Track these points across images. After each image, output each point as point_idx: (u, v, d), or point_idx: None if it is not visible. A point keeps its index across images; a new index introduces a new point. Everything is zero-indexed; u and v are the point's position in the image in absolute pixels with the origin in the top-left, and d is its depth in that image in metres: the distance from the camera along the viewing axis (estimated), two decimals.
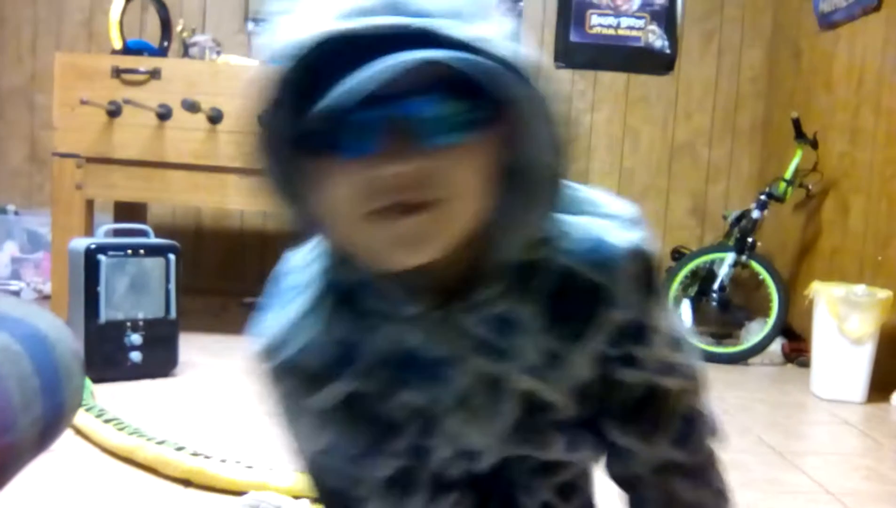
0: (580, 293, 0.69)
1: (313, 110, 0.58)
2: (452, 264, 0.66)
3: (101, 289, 2.64)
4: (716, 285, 3.80)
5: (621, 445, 0.80)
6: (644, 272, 0.72)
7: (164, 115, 3.19)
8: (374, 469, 0.79)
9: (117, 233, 2.86)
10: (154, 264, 2.76)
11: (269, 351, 0.77)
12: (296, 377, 0.76)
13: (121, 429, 2.04)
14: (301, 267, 0.76)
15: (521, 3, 4.39)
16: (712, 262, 3.91)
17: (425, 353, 0.71)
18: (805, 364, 3.50)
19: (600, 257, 0.70)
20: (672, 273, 3.82)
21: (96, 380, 2.53)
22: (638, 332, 0.73)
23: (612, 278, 0.70)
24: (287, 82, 0.61)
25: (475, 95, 0.60)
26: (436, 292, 0.68)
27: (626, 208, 0.74)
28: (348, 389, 0.74)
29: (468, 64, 0.56)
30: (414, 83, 0.57)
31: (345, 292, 0.72)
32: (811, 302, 3.23)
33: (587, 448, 0.81)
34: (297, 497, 1.62)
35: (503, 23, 0.61)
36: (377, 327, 0.71)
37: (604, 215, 0.72)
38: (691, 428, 0.81)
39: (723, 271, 3.80)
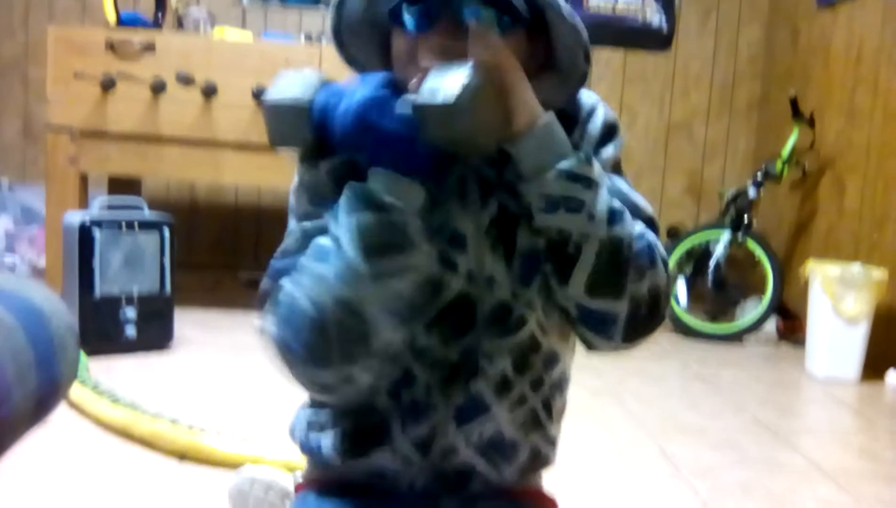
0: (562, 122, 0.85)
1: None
2: None
3: (96, 263, 2.63)
4: (711, 264, 3.80)
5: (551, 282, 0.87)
6: (611, 127, 0.91)
7: (158, 88, 3.17)
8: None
9: (111, 206, 2.85)
10: (149, 239, 2.75)
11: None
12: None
13: (115, 403, 2.04)
14: None
15: None
16: (708, 240, 3.91)
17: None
18: (800, 343, 3.51)
19: (585, 103, 0.92)
20: (668, 252, 3.82)
21: (91, 354, 2.53)
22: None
23: (587, 115, 0.91)
24: None
25: (506, 5, 0.83)
26: None
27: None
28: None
29: None
30: None
31: None
32: (806, 281, 3.23)
33: (535, 287, 0.88)
34: (292, 470, 1.62)
35: None
36: None
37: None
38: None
39: (718, 250, 3.80)
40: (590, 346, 0.89)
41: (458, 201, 0.87)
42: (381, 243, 0.78)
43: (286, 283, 0.81)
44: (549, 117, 0.81)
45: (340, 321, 0.78)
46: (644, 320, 0.84)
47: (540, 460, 0.94)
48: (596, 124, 0.91)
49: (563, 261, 0.82)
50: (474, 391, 0.87)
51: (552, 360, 0.92)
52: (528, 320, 0.88)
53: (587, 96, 0.93)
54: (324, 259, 0.79)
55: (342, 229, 0.79)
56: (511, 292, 0.87)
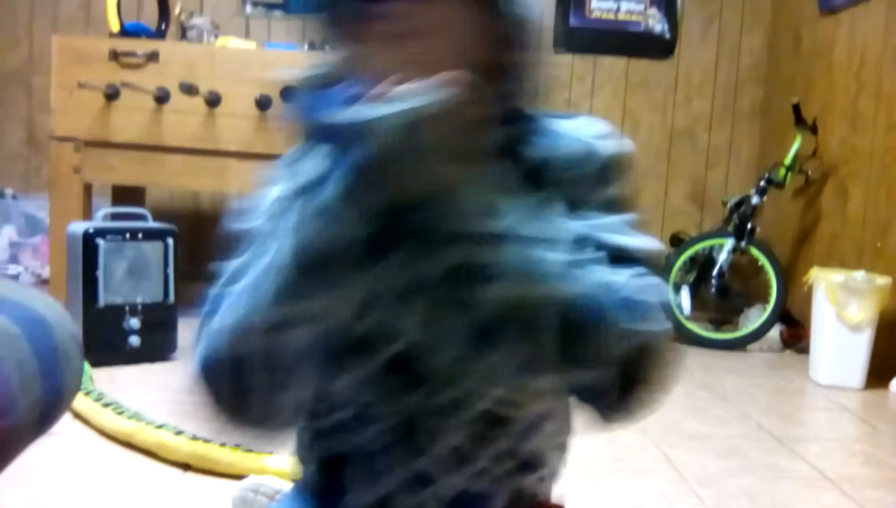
0: (550, 172, 0.77)
1: None
2: None
3: (100, 273, 2.64)
4: (715, 271, 3.80)
5: None
6: (611, 166, 0.80)
7: (161, 98, 3.18)
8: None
9: (115, 216, 2.85)
10: (152, 249, 2.75)
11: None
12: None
13: (120, 413, 2.04)
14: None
15: None
16: (711, 248, 3.91)
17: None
18: (804, 350, 3.50)
19: (580, 140, 0.79)
20: (671, 259, 3.82)
21: (95, 364, 2.53)
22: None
23: (583, 156, 0.79)
24: None
25: None
26: None
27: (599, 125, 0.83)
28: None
29: None
30: None
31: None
32: (810, 288, 3.23)
33: (492, 356, 0.74)
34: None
35: None
36: None
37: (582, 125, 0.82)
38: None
39: (722, 257, 3.80)
40: (603, 420, 0.77)
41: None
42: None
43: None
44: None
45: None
46: (640, 380, 0.74)
47: (524, 499, 0.84)
48: (590, 168, 0.79)
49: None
50: (420, 468, 0.79)
51: (532, 428, 0.82)
52: (477, 394, 0.77)
53: (585, 130, 0.81)
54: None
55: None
56: (451, 358, 0.75)
